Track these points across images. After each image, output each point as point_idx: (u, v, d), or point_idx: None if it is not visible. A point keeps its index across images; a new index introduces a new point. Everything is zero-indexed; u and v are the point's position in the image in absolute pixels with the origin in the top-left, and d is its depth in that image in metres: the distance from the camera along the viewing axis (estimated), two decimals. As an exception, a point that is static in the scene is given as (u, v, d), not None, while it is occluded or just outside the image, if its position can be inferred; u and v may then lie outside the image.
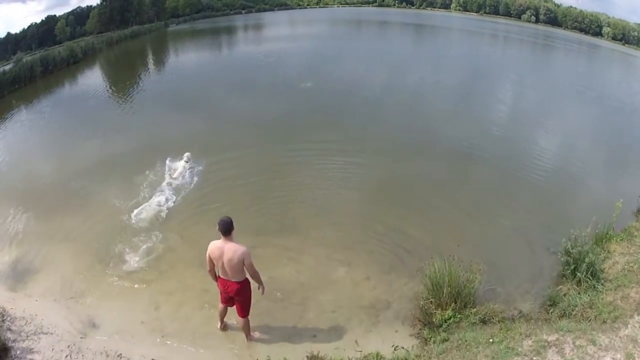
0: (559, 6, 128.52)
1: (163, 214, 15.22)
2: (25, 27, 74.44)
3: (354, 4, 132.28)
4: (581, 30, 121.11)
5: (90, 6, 73.94)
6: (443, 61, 50.38)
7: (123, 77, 42.78)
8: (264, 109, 28.29)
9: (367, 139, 22.76)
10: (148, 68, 47.46)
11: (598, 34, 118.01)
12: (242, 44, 65.48)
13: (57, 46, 67.43)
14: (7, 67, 43.08)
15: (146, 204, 15.72)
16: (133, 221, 14.72)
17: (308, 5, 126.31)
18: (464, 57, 54.77)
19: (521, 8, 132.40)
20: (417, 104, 31.34)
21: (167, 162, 18.78)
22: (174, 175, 17.94)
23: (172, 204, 15.86)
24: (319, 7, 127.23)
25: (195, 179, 18.06)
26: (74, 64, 48.75)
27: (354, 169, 18.88)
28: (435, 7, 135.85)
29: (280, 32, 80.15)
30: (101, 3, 70.44)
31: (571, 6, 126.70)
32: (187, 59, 52.15)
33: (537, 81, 42.50)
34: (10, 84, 39.10)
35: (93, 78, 44.51)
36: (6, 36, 70.95)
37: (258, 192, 16.85)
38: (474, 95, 34.17)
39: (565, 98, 36.87)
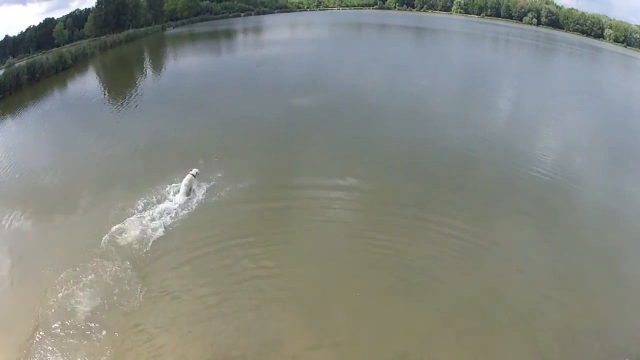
0: (560, 8, 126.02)
1: (102, 310, 11.00)
2: (24, 30, 72.54)
3: (354, 6, 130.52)
4: (583, 32, 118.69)
5: (89, 9, 72.12)
6: (445, 69, 47.51)
7: (110, 86, 40.50)
8: (250, 134, 24.15)
9: (374, 180, 18.30)
10: (135, 78, 44.32)
11: (600, 36, 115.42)
12: (238, 49, 62.91)
13: (54, 49, 64.16)
14: (-3, 73, 41.88)
15: (85, 291, 11.66)
16: (67, 310, 10.96)
17: (308, 7, 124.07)
18: (467, 64, 52.00)
19: (522, 10, 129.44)
20: (428, 127, 26.92)
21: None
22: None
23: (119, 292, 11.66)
24: (319, 10, 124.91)
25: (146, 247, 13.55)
26: (62, 71, 46.02)
27: (360, 233, 14.19)
28: (436, 10, 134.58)
29: (278, 35, 77.34)
30: (96, 6, 66.84)
31: (572, 8, 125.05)
32: (179, 67, 49.51)
33: (561, 98, 37.89)
34: (-5, 93, 36.91)
35: (78, 87, 41.69)
36: (4, 39, 69.18)
37: (226, 271, 12.45)
38: (490, 116, 30.18)
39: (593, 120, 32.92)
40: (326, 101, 30.69)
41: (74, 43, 67.68)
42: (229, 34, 77.05)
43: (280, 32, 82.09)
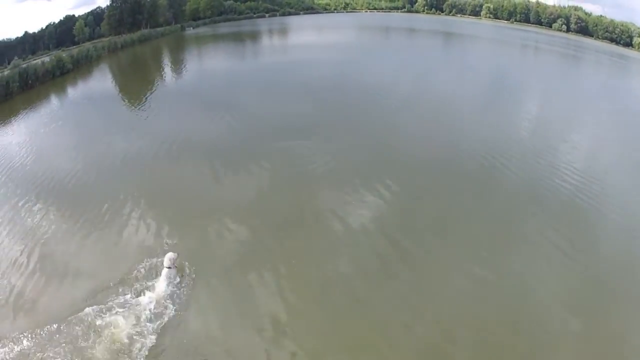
0: (589, 15, 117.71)
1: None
2: (43, 27, 67.55)
3: (382, 9, 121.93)
4: (612, 40, 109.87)
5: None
6: (474, 77, 40.49)
7: (109, 95, 33.31)
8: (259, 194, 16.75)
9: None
10: (139, 87, 36.65)
11: (629, 44, 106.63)
12: (260, 55, 53.91)
13: (80, 45, 61.12)
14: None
15: None
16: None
17: (335, 9, 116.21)
18: (496, 73, 44.47)
19: (552, 16, 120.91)
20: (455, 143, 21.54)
21: None
22: None
23: None
24: (347, 12, 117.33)
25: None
26: (60, 76, 39.28)
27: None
28: (464, 14, 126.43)
29: (304, 38, 68.85)
30: (110, 5, 60.67)
31: (601, 15, 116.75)
32: (191, 75, 41.26)
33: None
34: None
35: (72, 95, 35.08)
36: (24, 35, 64.35)
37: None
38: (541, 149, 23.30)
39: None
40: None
41: (95, 41, 62.66)
42: (253, 36, 69.01)
43: (306, 35, 73.62)
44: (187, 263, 11.58)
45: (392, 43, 67.48)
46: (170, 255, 11.17)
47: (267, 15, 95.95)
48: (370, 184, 16.43)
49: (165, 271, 10.86)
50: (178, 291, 10.65)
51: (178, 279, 11.00)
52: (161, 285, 10.62)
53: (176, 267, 11.14)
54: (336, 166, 18.00)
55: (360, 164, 18.45)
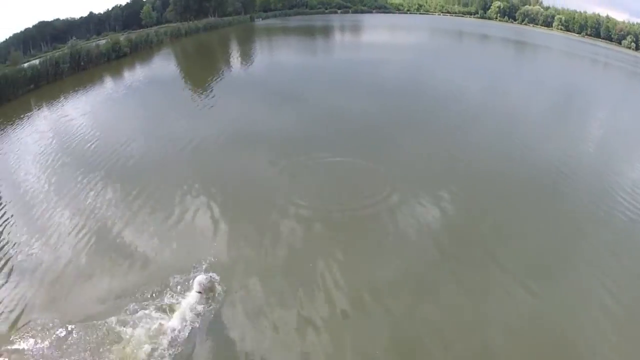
0: None
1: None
2: (109, 9, 63.68)
3: (455, 13, 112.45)
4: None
5: (180, -9, 62.37)
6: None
7: (165, 83, 29.03)
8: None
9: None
10: (202, 77, 30.85)
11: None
12: (329, 53, 46.44)
13: (141, 30, 55.98)
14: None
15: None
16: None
17: (408, 10, 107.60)
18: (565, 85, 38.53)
19: (622, 33, 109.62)
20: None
21: None
22: None
23: None
24: (419, 14, 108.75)
25: None
26: (116, 59, 34.82)
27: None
28: (536, 24, 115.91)
29: (374, 37, 61.34)
30: (176, -9, 54.87)
31: None
32: (255, 70, 34.85)
33: None
34: (27, 82, 27.02)
35: (124, 79, 30.65)
36: (88, 15, 60.57)
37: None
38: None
39: None
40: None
41: (162, 25, 57.53)
42: (323, 31, 61.78)
43: (377, 34, 66.42)
44: (223, 284, 9.48)
45: (464, 49, 61.16)
46: (200, 278, 9.46)
47: (339, 11, 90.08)
48: (431, 192, 14.89)
49: (194, 295, 9.12)
50: (207, 318, 8.83)
51: (205, 306, 9.03)
52: (187, 310, 8.84)
53: (206, 291, 9.21)
54: (397, 171, 16.26)
55: (423, 170, 17.00)
